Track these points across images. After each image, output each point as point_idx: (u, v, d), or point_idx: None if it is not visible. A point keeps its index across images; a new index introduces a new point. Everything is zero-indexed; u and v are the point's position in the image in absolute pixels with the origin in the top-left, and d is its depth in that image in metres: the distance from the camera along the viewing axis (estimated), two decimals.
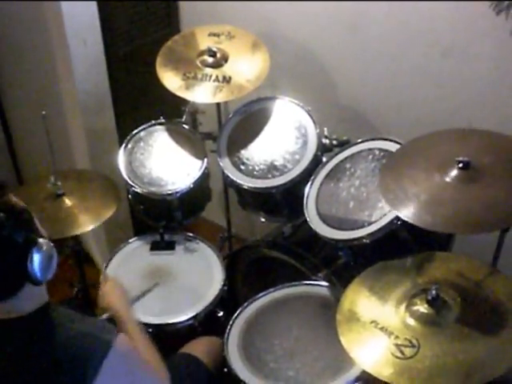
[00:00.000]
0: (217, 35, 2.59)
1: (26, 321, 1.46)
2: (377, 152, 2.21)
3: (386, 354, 1.70)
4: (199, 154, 2.54)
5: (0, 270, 1.41)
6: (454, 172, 1.85)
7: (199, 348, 2.14)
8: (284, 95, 2.53)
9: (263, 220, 2.55)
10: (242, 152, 2.47)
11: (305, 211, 2.20)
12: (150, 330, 2.21)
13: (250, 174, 2.40)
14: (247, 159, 2.44)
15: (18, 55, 3.06)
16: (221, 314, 2.32)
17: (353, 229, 2.06)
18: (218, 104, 2.67)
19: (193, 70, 2.50)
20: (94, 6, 2.69)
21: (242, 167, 2.43)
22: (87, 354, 1.43)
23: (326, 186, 2.24)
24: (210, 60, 2.51)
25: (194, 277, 2.41)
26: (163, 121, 2.64)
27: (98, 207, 2.38)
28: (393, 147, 2.16)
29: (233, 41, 2.57)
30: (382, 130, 2.57)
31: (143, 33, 2.98)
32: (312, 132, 2.40)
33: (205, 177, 2.54)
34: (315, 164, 2.33)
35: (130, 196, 2.59)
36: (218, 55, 2.51)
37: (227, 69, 2.49)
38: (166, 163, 2.54)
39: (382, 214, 2.03)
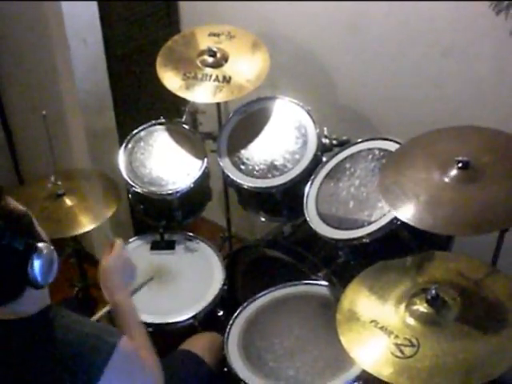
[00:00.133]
0: (217, 35, 2.59)
1: (29, 322, 1.46)
2: (376, 152, 2.22)
3: (385, 353, 1.70)
4: (199, 153, 2.54)
5: (1, 276, 1.40)
6: (454, 172, 1.85)
7: (199, 344, 2.14)
8: (284, 95, 2.53)
9: (263, 220, 2.55)
10: (242, 152, 2.47)
11: (305, 211, 2.21)
12: (150, 329, 2.22)
13: (250, 173, 2.41)
14: (247, 159, 2.44)
15: (19, 55, 3.06)
16: (221, 313, 2.33)
17: (352, 228, 2.06)
18: (218, 104, 2.68)
19: (193, 70, 2.50)
20: (94, 5, 2.70)
21: (242, 167, 2.43)
22: (91, 355, 1.43)
23: (325, 185, 2.25)
24: (210, 60, 2.51)
25: (194, 276, 2.41)
26: (163, 121, 2.64)
27: (98, 207, 2.39)
28: (392, 147, 2.16)
29: (233, 41, 2.57)
30: (381, 129, 2.57)
31: (143, 33, 2.98)
32: (312, 132, 2.41)
33: (205, 176, 2.54)
34: (315, 164, 2.33)
35: (130, 196, 2.59)
36: (218, 55, 2.51)
37: (227, 69, 2.50)
38: (166, 163, 2.54)
39: (381, 213, 2.03)
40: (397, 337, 1.73)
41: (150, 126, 2.63)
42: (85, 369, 1.42)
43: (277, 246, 2.44)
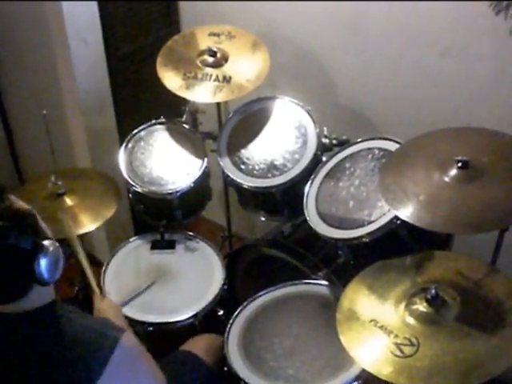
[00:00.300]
0: (217, 35, 2.60)
1: (33, 315, 1.47)
2: (376, 151, 2.22)
3: (385, 352, 1.70)
4: (199, 153, 2.54)
5: (8, 275, 1.42)
6: (454, 171, 1.86)
7: (199, 345, 2.15)
8: (284, 95, 2.53)
9: (263, 219, 2.55)
10: (242, 151, 2.47)
11: (304, 210, 2.21)
12: (151, 328, 2.23)
13: (250, 173, 2.41)
14: (247, 159, 2.45)
15: (19, 55, 3.06)
16: (221, 312, 2.33)
17: (352, 228, 2.06)
18: (218, 104, 2.68)
19: (193, 70, 2.50)
20: (94, 5, 2.70)
21: (242, 166, 2.43)
22: (94, 348, 1.44)
23: (325, 185, 2.25)
24: (210, 60, 2.52)
25: (194, 276, 2.41)
26: (163, 120, 2.64)
27: (98, 206, 2.39)
28: (392, 147, 2.16)
29: (233, 41, 2.58)
30: (381, 129, 2.58)
31: (143, 33, 2.99)
32: (312, 131, 2.41)
33: (205, 176, 2.54)
34: (315, 163, 2.33)
35: (130, 195, 2.60)
36: (218, 55, 2.51)
37: (227, 68, 2.50)
38: (166, 162, 2.54)
39: (381, 213, 2.03)
40: (396, 336, 1.73)
41: (151, 125, 2.63)
42: (87, 363, 1.43)
43: (277, 246, 2.45)
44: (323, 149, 2.40)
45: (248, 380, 1.94)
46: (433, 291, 1.75)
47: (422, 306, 1.77)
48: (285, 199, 2.38)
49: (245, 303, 2.20)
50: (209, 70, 2.50)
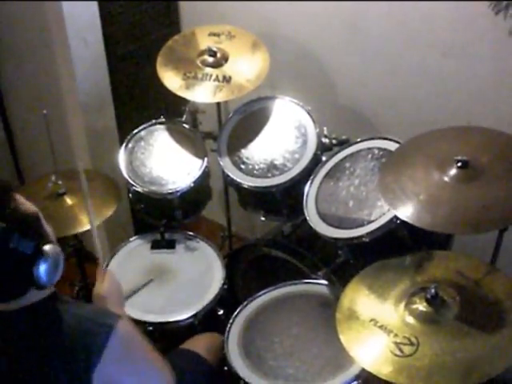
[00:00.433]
0: (217, 35, 2.60)
1: (30, 310, 1.47)
2: (376, 151, 2.22)
3: (385, 352, 1.70)
4: (199, 153, 2.54)
5: (7, 278, 1.43)
6: (453, 171, 1.86)
7: (200, 344, 2.15)
8: (284, 95, 2.53)
9: (263, 219, 2.55)
10: (242, 151, 2.47)
11: (304, 210, 2.21)
12: (151, 328, 2.23)
13: (250, 173, 2.41)
14: (247, 158, 2.45)
15: (19, 55, 3.06)
16: (221, 312, 2.33)
17: (352, 228, 2.07)
18: (218, 103, 2.68)
19: (193, 70, 2.51)
20: (94, 5, 2.70)
21: (242, 166, 2.43)
22: (90, 337, 1.45)
23: (325, 185, 2.25)
24: (211, 60, 2.52)
25: (194, 275, 2.41)
26: (164, 120, 2.64)
27: (98, 206, 2.38)
28: (392, 146, 2.16)
29: (233, 40, 2.58)
30: (381, 129, 2.58)
31: (144, 32, 2.99)
32: (312, 131, 2.41)
33: (205, 176, 2.54)
34: (315, 163, 2.34)
35: (130, 195, 2.60)
36: (218, 55, 2.51)
37: (227, 68, 2.50)
38: (166, 162, 2.55)
39: (381, 212, 2.04)
40: (396, 335, 1.74)
41: (151, 125, 2.64)
42: (84, 352, 1.44)
43: (277, 245, 2.45)
44: (323, 148, 2.40)
45: (248, 379, 1.94)
46: (432, 291, 1.76)
47: (421, 306, 1.78)
48: (285, 199, 2.39)
49: (245, 303, 2.20)
50: (209, 69, 2.50)
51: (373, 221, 2.04)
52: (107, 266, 2.45)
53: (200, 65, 2.52)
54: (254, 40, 2.56)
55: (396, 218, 1.93)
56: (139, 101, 3.09)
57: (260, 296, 2.22)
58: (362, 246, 2.06)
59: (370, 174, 2.18)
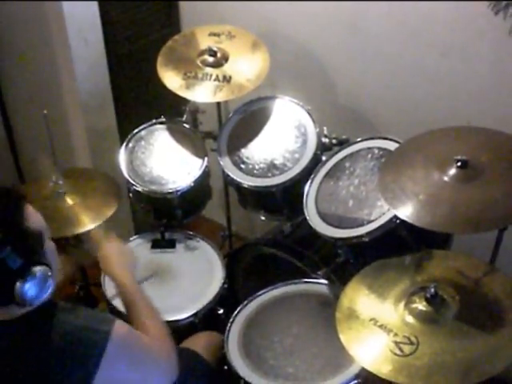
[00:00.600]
0: (217, 35, 2.60)
1: (25, 318, 1.46)
2: (376, 151, 2.23)
3: (384, 351, 1.71)
4: (200, 152, 2.55)
5: None
6: (453, 171, 1.86)
7: (199, 343, 2.15)
8: (284, 94, 2.54)
9: (263, 218, 2.56)
10: (242, 151, 2.48)
11: (304, 210, 2.21)
12: None
13: (250, 172, 2.42)
14: (247, 158, 2.45)
15: (20, 55, 3.07)
16: (221, 311, 2.33)
17: (352, 227, 2.07)
18: (218, 103, 2.68)
19: (193, 70, 2.51)
20: (95, 5, 2.71)
21: (242, 166, 2.44)
22: (87, 346, 1.44)
23: (325, 184, 2.26)
24: (211, 59, 2.52)
25: (194, 275, 2.42)
26: (164, 120, 2.65)
27: (99, 206, 2.39)
28: (392, 146, 2.17)
29: (233, 40, 2.58)
30: (381, 129, 2.58)
31: (144, 32, 2.99)
32: (312, 131, 2.42)
33: (205, 175, 2.55)
34: (315, 163, 2.34)
35: (130, 194, 2.60)
36: (219, 55, 2.52)
37: (227, 68, 2.50)
38: (166, 162, 2.55)
39: (381, 212, 2.04)
40: (396, 335, 1.74)
41: (151, 125, 2.64)
42: (82, 362, 1.43)
43: (277, 245, 2.45)
44: (323, 148, 2.40)
45: (248, 379, 1.94)
46: (432, 290, 1.76)
47: (421, 305, 1.78)
48: (285, 198, 2.39)
49: (245, 302, 2.20)
50: (209, 69, 2.50)
51: (372, 220, 2.04)
52: None
53: (200, 65, 2.52)
54: (254, 40, 2.56)
55: (396, 217, 1.94)
56: (139, 100, 3.09)
57: (260, 295, 2.22)
58: (361, 246, 2.06)
59: (370, 173, 2.18)
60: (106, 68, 2.87)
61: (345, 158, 2.28)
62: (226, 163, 2.46)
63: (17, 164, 3.51)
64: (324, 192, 2.23)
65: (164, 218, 2.55)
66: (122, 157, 2.54)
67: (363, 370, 1.79)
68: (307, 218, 2.19)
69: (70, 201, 2.39)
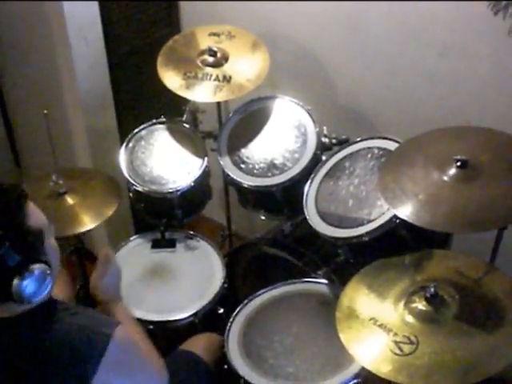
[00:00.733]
0: (217, 35, 2.60)
1: (25, 316, 1.46)
2: (376, 151, 2.23)
3: (384, 350, 1.71)
4: (200, 152, 2.55)
5: None
6: (452, 170, 1.87)
7: (199, 345, 2.15)
8: (284, 94, 2.54)
9: (263, 218, 2.56)
10: (242, 151, 2.48)
11: (304, 209, 2.22)
12: (151, 326, 2.23)
13: (250, 172, 2.42)
14: (247, 158, 2.46)
15: (20, 54, 3.07)
16: (221, 311, 2.33)
17: (352, 227, 2.07)
18: (218, 103, 2.68)
19: (193, 70, 2.51)
20: (95, 5, 2.71)
21: (242, 166, 2.44)
22: (87, 348, 1.45)
23: (325, 184, 2.26)
24: (211, 59, 2.52)
25: (194, 274, 2.42)
26: (164, 120, 2.65)
27: (99, 205, 2.39)
28: (391, 146, 2.17)
29: (233, 40, 2.58)
30: (380, 128, 2.58)
31: (144, 32, 2.99)
32: (311, 131, 2.42)
33: (205, 175, 2.55)
34: (315, 162, 2.34)
35: (130, 194, 2.60)
36: (219, 55, 2.52)
37: (227, 68, 2.51)
38: (166, 162, 2.55)
39: (380, 212, 2.04)
40: (396, 334, 1.74)
41: (151, 124, 2.64)
42: (81, 362, 1.44)
43: (277, 244, 2.46)
44: (323, 148, 2.41)
45: (248, 378, 1.95)
46: (432, 290, 1.76)
47: (421, 305, 1.78)
48: (285, 198, 2.39)
49: (245, 302, 2.20)
50: (209, 69, 2.51)
51: (372, 220, 2.05)
52: None
53: (200, 64, 2.53)
54: (254, 40, 2.56)
55: (395, 217, 1.94)
56: (140, 100, 3.09)
57: (260, 295, 2.22)
58: (361, 245, 2.06)
59: (370, 173, 2.18)
60: (107, 67, 2.87)
61: (345, 157, 2.29)
62: (226, 163, 2.46)
63: (17, 163, 3.51)
64: (324, 192, 2.24)
65: (164, 217, 2.56)
66: (122, 156, 2.54)
67: (363, 369, 1.79)
68: (307, 217, 2.19)
69: (70, 200, 2.39)
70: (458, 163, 1.86)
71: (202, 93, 2.46)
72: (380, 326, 1.78)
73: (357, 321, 1.82)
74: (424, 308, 1.77)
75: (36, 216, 1.48)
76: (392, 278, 1.91)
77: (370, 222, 2.05)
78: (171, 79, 2.50)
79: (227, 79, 2.47)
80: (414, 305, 1.80)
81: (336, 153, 2.32)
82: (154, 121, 2.65)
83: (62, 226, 2.29)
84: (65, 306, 1.54)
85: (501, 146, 1.96)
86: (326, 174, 2.28)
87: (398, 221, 1.96)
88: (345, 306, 1.88)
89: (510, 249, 2.01)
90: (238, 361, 2.01)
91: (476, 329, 1.71)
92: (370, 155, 2.23)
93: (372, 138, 2.27)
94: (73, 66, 2.74)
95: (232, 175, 2.42)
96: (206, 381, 2.09)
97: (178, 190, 2.45)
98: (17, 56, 3.10)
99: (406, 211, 1.83)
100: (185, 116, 2.65)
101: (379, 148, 2.22)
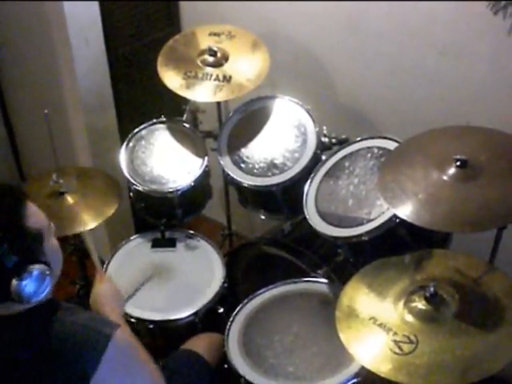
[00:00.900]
0: (217, 35, 2.60)
1: (26, 314, 1.47)
2: (375, 150, 2.23)
3: (384, 350, 1.71)
4: (200, 152, 2.55)
5: None
6: (452, 170, 1.87)
7: (200, 344, 2.15)
8: (284, 94, 2.54)
9: (263, 217, 2.56)
10: (243, 150, 2.48)
11: (304, 209, 2.22)
12: (151, 326, 2.24)
13: (250, 172, 2.42)
14: (247, 157, 2.46)
15: (21, 54, 3.07)
16: (221, 310, 2.33)
17: (352, 226, 2.07)
18: (218, 103, 2.69)
19: (193, 69, 2.51)
20: (95, 5, 2.71)
21: (242, 165, 2.44)
22: (87, 347, 1.44)
23: (325, 183, 2.26)
24: (211, 59, 2.52)
25: (194, 274, 2.42)
26: (164, 119, 2.65)
27: (99, 205, 2.39)
28: (391, 145, 2.17)
29: (233, 40, 2.58)
30: (380, 128, 2.58)
31: (144, 32, 2.99)
32: (311, 130, 2.42)
33: (205, 175, 2.55)
34: (314, 162, 2.34)
35: (131, 194, 2.60)
36: (219, 54, 2.52)
37: (227, 68, 2.51)
38: (167, 161, 2.55)
39: (380, 211, 2.04)
40: (395, 334, 1.74)
41: (151, 124, 2.64)
42: (81, 361, 1.43)
43: (277, 244, 2.46)
44: (323, 148, 2.41)
45: (248, 377, 1.95)
46: (431, 289, 1.76)
47: (420, 304, 1.78)
48: (285, 198, 2.40)
49: (245, 301, 2.21)
50: (209, 69, 2.51)
51: (372, 219, 2.05)
52: (108, 264, 2.46)
53: (200, 64, 2.53)
54: (254, 40, 2.57)
55: (395, 216, 1.94)
56: (140, 100, 3.09)
57: (260, 294, 2.23)
58: (361, 245, 2.06)
59: (370, 173, 2.18)
60: (107, 67, 2.87)
61: (344, 157, 2.29)
62: (226, 162, 2.46)
63: (18, 163, 3.52)
64: (324, 191, 2.24)
65: (164, 217, 2.56)
66: (123, 156, 2.55)
67: (363, 368, 1.79)
68: (307, 217, 2.19)
69: (70, 200, 2.39)
70: (458, 163, 1.86)
71: (202, 92, 2.46)
72: (380, 325, 1.78)
73: (357, 320, 1.82)
74: (424, 307, 1.77)
75: (36, 217, 1.48)
76: (392, 278, 1.91)
77: (369, 221, 2.05)
78: (171, 79, 2.50)
79: (227, 79, 2.47)
80: (413, 304, 1.80)
81: (336, 152, 2.33)
82: (155, 120, 2.65)
83: (62, 225, 2.29)
84: (65, 306, 1.54)
85: (500, 145, 1.96)
86: (326, 174, 2.28)
87: (397, 220, 1.96)
88: (345, 305, 1.88)
89: (509, 248, 2.02)
90: (238, 360, 2.01)
91: (475, 328, 1.71)
92: (369, 155, 2.23)
93: (372, 138, 2.27)
94: (73, 65, 2.75)
95: (232, 175, 2.42)
96: (208, 380, 2.10)
97: (178, 190, 2.45)
98: (17, 56, 3.10)
99: (405, 211, 1.83)
100: (185, 116, 2.65)
101: (379, 147, 2.23)
